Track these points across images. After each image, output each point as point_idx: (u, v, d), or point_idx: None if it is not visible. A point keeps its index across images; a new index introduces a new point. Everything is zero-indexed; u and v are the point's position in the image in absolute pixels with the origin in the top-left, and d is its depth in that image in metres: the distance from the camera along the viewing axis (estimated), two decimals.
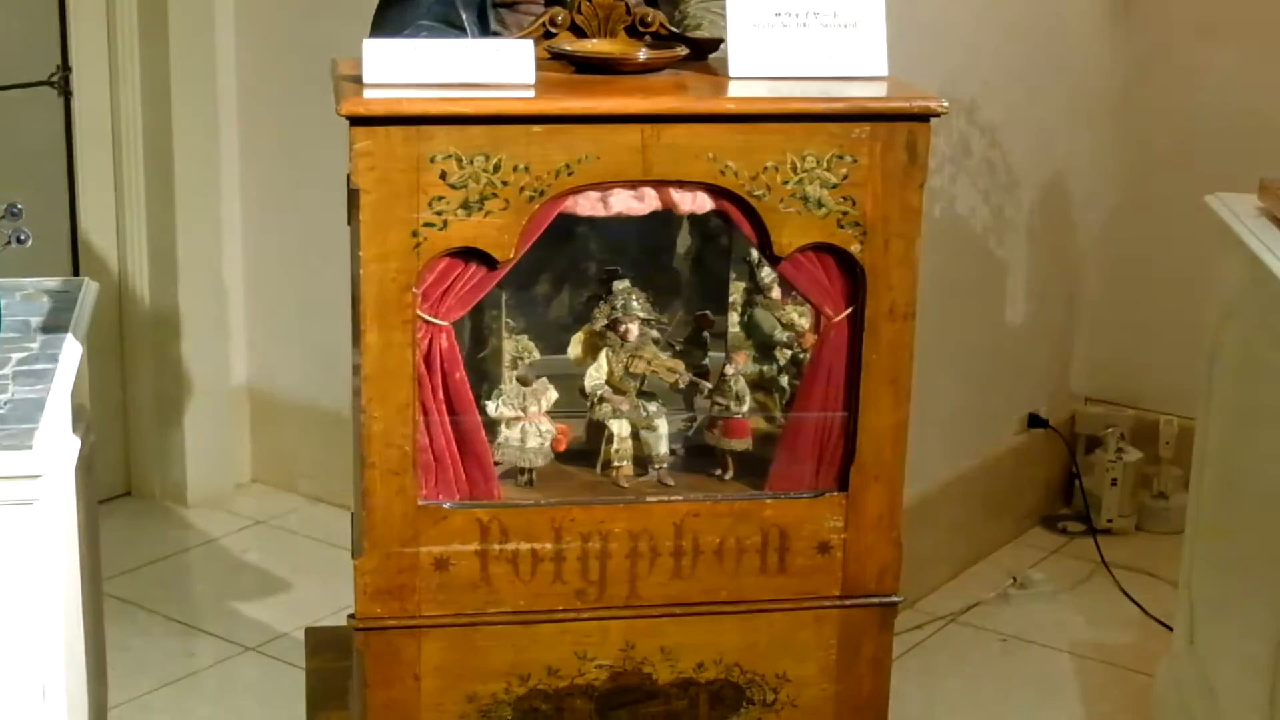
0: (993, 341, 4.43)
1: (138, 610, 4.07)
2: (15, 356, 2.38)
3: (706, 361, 2.73)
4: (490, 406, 2.57)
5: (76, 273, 4.43)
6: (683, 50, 2.54)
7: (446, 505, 2.46)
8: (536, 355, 2.61)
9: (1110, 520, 4.59)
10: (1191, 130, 4.57)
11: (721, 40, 2.54)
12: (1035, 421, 4.61)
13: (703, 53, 2.61)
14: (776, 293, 2.69)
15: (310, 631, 3.30)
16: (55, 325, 2.52)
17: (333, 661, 3.07)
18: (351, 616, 2.48)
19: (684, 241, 2.77)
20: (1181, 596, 3.52)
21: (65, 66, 4.40)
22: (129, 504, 4.66)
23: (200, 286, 4.58)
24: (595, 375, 2.62)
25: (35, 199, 4.34)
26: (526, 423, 2.60)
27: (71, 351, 2.44)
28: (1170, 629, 3.71)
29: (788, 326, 2.69)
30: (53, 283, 2.72)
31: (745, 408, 2.64)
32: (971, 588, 4.29)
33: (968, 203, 4.16)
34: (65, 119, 4.43)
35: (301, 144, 4.43)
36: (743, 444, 2.64)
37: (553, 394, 2.60)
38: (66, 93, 4.41)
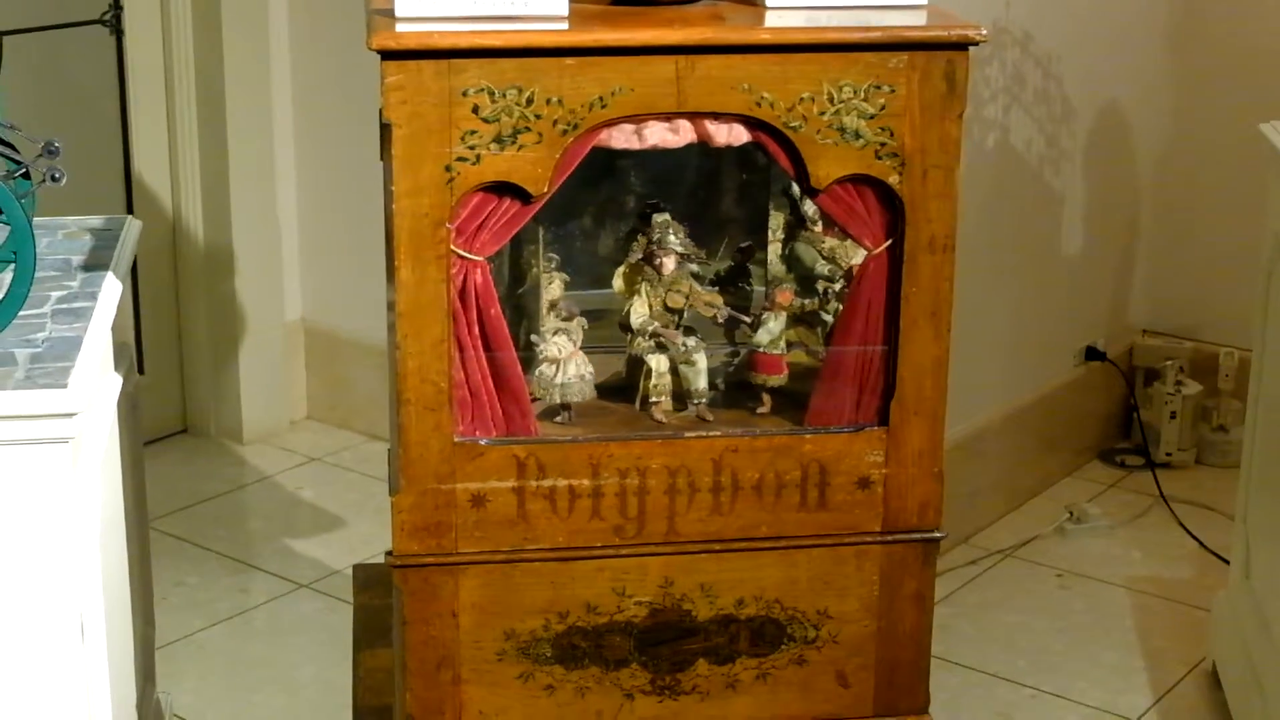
0: (1049, 273, 4.38)
1: (192, 547, 4.09)
2: (54, 295, 2.37)
3: (750, 291, 2.70)
4: (553, 348, 2.56)
5: (131, 211, 4.44)
6: None
7: (483, 442, 2.46)
8: (559, 290, 2.60)
9: (1169, 454, 4.55)
10: (1249, 56, 4.50)
11: None
12: (1093, 354, 4.56)
13: None
14: (819, 226, 2.67)
15: (358, 568, 3.31)
16: (96, 263, 2.50)
17: (380, 598, 3.07)
18: (389, 554, 2.48)
19: (726, 174, 2.74)
20: (1238, 529, 3.49)
21: (117, 5, 4.39)
22: (185, 441, 4.68)
23: (254, 223, 4.58)
24: (641, 310, 2.61)
25: (89, 138, 4.36)
26: (579, 357, 2.60)
27: (111, 289, 2.43)
28: (1228, 563, 3.67)
29: (829, 259, 2.66)
30: (95, 221, 2.71)
31: (783, 343, 2.61)
32: (1028, 522, 4.26)
33: (1022, 134, 4.11)
34: (118, 58, 4.43)
35: (354, 79, 4.41)
36: (780, 379, 2.62)
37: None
38: (118, 31, 4.41)
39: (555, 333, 2.59)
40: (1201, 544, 4.13)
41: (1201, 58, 4.59)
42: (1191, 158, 4.65)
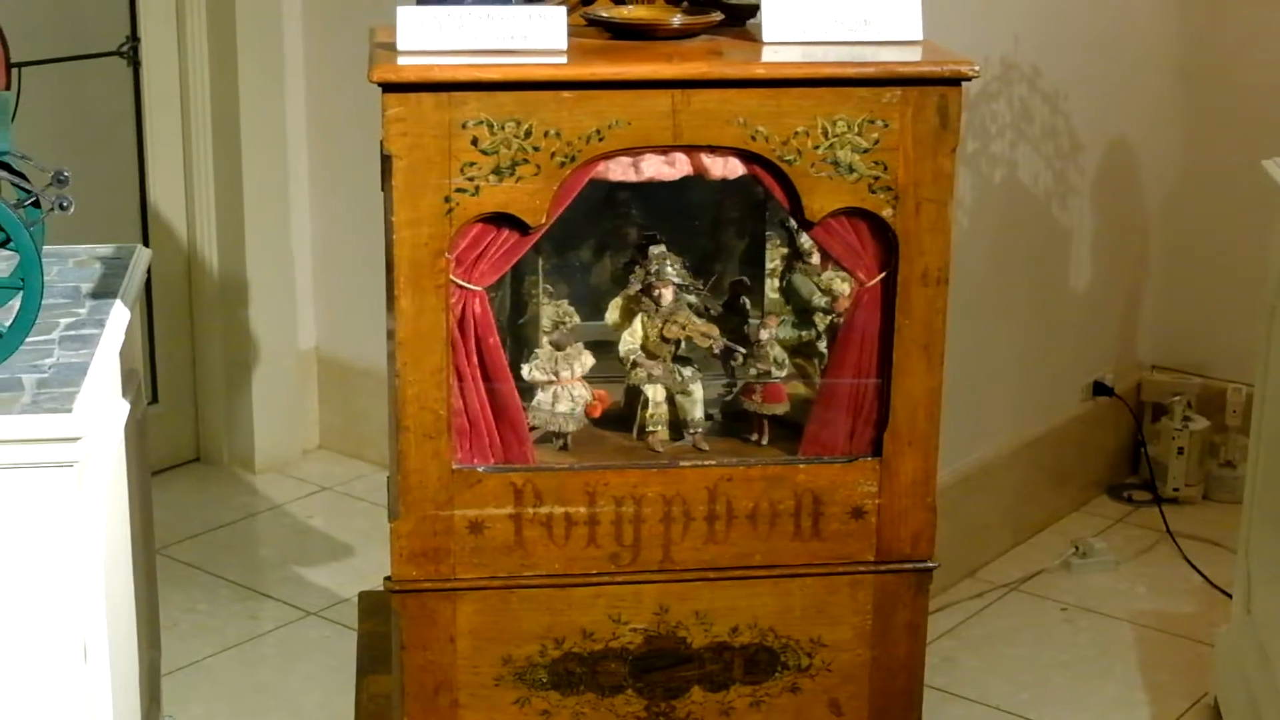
0: (1057, 308, 4.40)
1: (203, 574, 4.11)
2: (63, 321, 2.41)
3: (746, 327, 2.73)
4: (524, 370, 2.59)
5: (146, 240, 4.48)
6: (717, 15, 2.55)
7: (480, 469, 2.49)
8: (576, 319, 2.63)
9: (1176, 489, 4.55)
10: (1258, 92, 4.51)
11: (758, 5, 2.54)
12: (1100, 389, 4.57)
13: (740, 18, 2.62)
14: (816, 258, 2.69)
15: (364, 595, 3.34)
16: (105, 291, 2.54)
17: (384, 625, 3.09)
18: (388, 579, 2.51)
19: (723, 206, 2.77)
20: (1239, 564, 3.50)
21: (134, 37, 4.44)
22: (197, 469, 4.71)
23: (268, 253, 4.62)
24: (629, 340, 2.64)
25: (105, 168, 4.41)
26: (559, 387, 2.62)
27: (119, 316, 2.46)
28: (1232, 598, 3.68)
29: (826, 292, 2.69)
30: (105, 249, 2.74)
31: (780, 373, 2.64)
32: (1034, 556, 4.27)
33: (1030, 169, 4.13)
34: (134, 89, 4.48)
35: (367, 111, 4.41)
36: (777, 408, 2.65)
37: (588, 359, 2.62)
38: (135, 63, 4.46)
39: (536, 360, 2.62)
40: (1207, 579, 4.13)
41: (1211, 93, 4.61)
42: (1201, 193, 4.67)
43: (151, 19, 4.43)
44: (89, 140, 4.39)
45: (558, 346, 2.61)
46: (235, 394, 4.66)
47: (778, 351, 2.65)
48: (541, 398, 2.60)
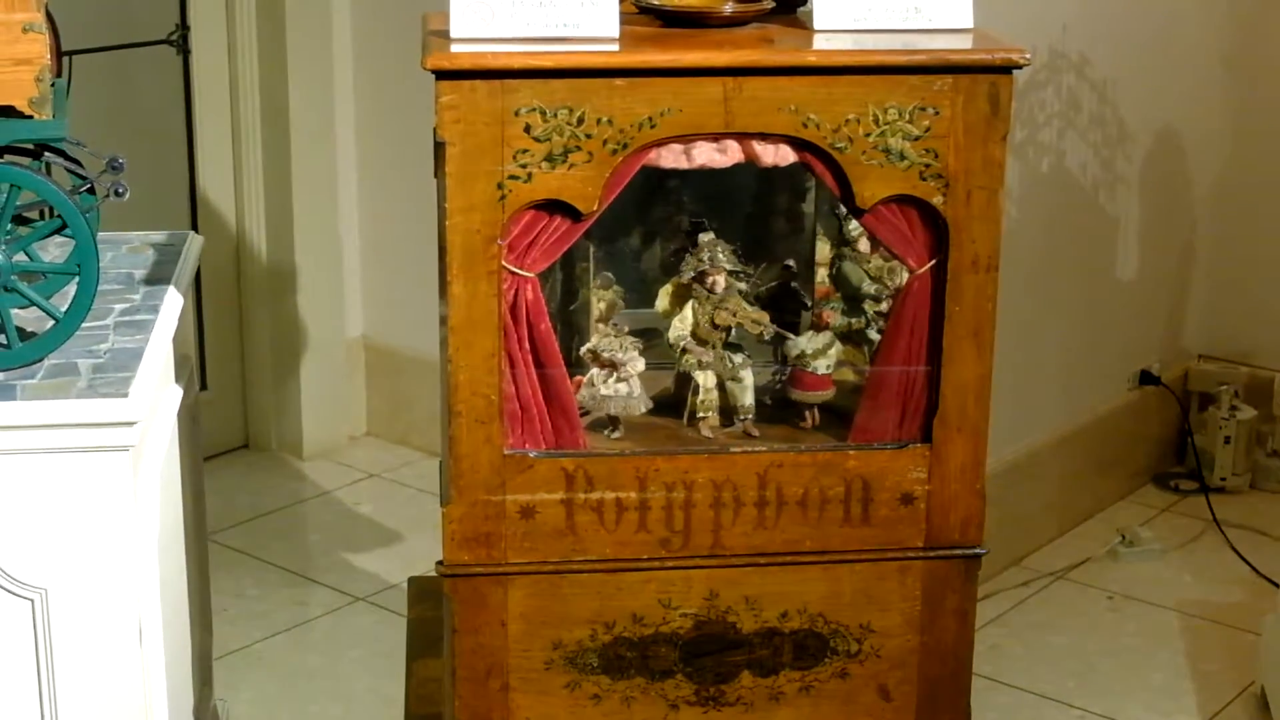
0: (1104, 297, 4.39)
1: (252, 560, 4.14)
2: (118, 308, 2.43)
3: (797, 309, 2.74)
4: (639, 364, 2.61)
5: (195, 227, 4.51)
6: (769, 3, 2.56)
7: (532, 454, 2.50)
8: (611, 307, 2.65)
9: (1223, 478, 4.55)
10: None
11: None
12: (1147, 378, 4.57)
13: (792, 6, 2.63)
14: (865, 245, 2.70)
15: (413, 581, 3.36)
16: (158, 277, 2.56)
17: (434, 610, 3.11)
18: (440, 563, 2.53)
19: (772, 194, 2.78)
20: None
21: (184, 25, 4.46)
22: (246, 456, 4.74)
23: (316, 241, 4.64)
24: (679, 326, 2.65)
25: (155, 155, 4.43)
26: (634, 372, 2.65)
27: (173, 303, 2.48)
28: (1279, 587, 3.68)
29: (876, 279, 2.70)
30: (158, 236, 2.76)
31: (829, 361, 2.65)
32: (1080, 544, 4.27)
33: (1077, 157, 4.13)
34: (184, 77, 4.50)
35: (416, 99, 4.44)
36: (823, 397, 2.65)
37: None
38: (185, 51, 4.48)
39: (625, 349, 2.63)
40: (1254, 568, 4.13)
41: (1259, 81, 4.59)
42: (1248, 182, 4.65)
43: (201, 7, 4.46)
44: (138, 128, 4.42)
45: (621, 334, 2.63)
46: (283, 381, 4.69)
47: (824, 340, 2.66)
48: (629, 386, 2.62)
